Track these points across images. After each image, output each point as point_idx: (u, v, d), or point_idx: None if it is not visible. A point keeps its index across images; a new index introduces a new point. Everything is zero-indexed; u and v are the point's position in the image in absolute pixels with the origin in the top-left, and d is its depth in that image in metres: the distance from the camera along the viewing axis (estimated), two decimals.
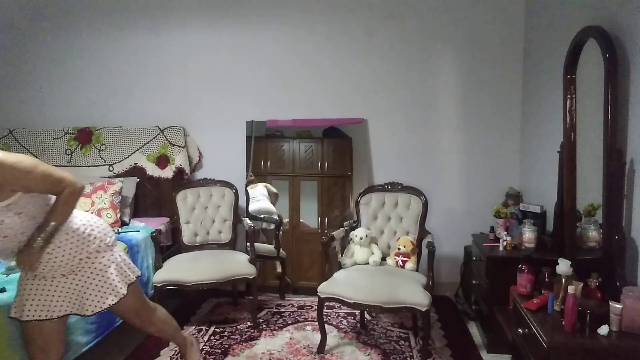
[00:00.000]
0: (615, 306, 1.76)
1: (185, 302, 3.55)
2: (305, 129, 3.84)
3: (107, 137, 3.78)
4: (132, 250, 3.00)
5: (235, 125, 3.79)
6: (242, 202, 3.63)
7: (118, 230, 3.24)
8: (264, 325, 3.13)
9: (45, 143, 3.80)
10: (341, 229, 3.13)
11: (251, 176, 3.79)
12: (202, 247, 3.44)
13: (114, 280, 1.97)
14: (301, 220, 3.86)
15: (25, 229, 1.75)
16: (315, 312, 2.92)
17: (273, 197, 3.83)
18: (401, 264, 2.88)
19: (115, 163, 3.77)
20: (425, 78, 3.66)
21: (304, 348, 2.81)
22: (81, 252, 1.90)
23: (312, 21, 3.70)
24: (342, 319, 3.23)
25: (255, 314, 3.17)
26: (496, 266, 2.69)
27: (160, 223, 3.37)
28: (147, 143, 3.75)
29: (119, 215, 3.39)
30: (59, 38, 3.89)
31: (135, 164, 3.76)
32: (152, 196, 3.77)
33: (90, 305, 1.93)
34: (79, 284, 1.93)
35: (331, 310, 3.35)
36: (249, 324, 3.15)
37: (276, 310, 3.40)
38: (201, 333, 3.04)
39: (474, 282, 3.11)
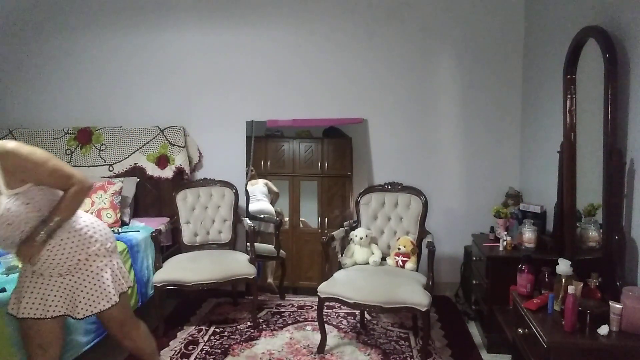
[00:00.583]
0: (615, 306, 1.76)
1: (185, 302, 3.56)
2: (305, 129, 3.84)
3: (107, 137, 3.78)
4: (132, 250, 3.00)
5: (235, 125, 3.79)
6: (242, 202, 3.63)
7: (118, 230, 3.24)
8: (264, 325, 3.13)
9: (45, 143, 3.79)
10: (341, 229, 3.13)
11: (252, 171, 3.78)
12: (202, 247, 3.44)
13: (108, 286, 1.97)
14: (301, 219, 3.86)
15: (30, 219, 1.77)
16: (315, 312, 2.92)
17: (273, 196, 3.82)
18: (401, 264, 2.88)
19: (115, 163, 3.77)
20: (425, 78, 3.66)
21: (304, 348, 2.81)
22: (80, 253, 1.90)
23: (312, 21, 3.70)
24: (342, 319, 3.23)
25: (255, 314, 3.17)
26: (496, 266, 2.69)
27: (160, 223, 3.37)
28: (147, 143, 3.75)
29: (119, 215, 3.39)
30: (59, 38, 3.89)
31: (135, 164, 3.76)
32: (152, 196, 3.77)
33: (82, 309, 1.93)
34: (74, 285, 1.93)
35: (331, 310, 3.35)
36: (249, 324, 3.15)
37: (276, 310, 3.40)
38: (201, 333, 3.04)
39: (474, 282, 3.11)
